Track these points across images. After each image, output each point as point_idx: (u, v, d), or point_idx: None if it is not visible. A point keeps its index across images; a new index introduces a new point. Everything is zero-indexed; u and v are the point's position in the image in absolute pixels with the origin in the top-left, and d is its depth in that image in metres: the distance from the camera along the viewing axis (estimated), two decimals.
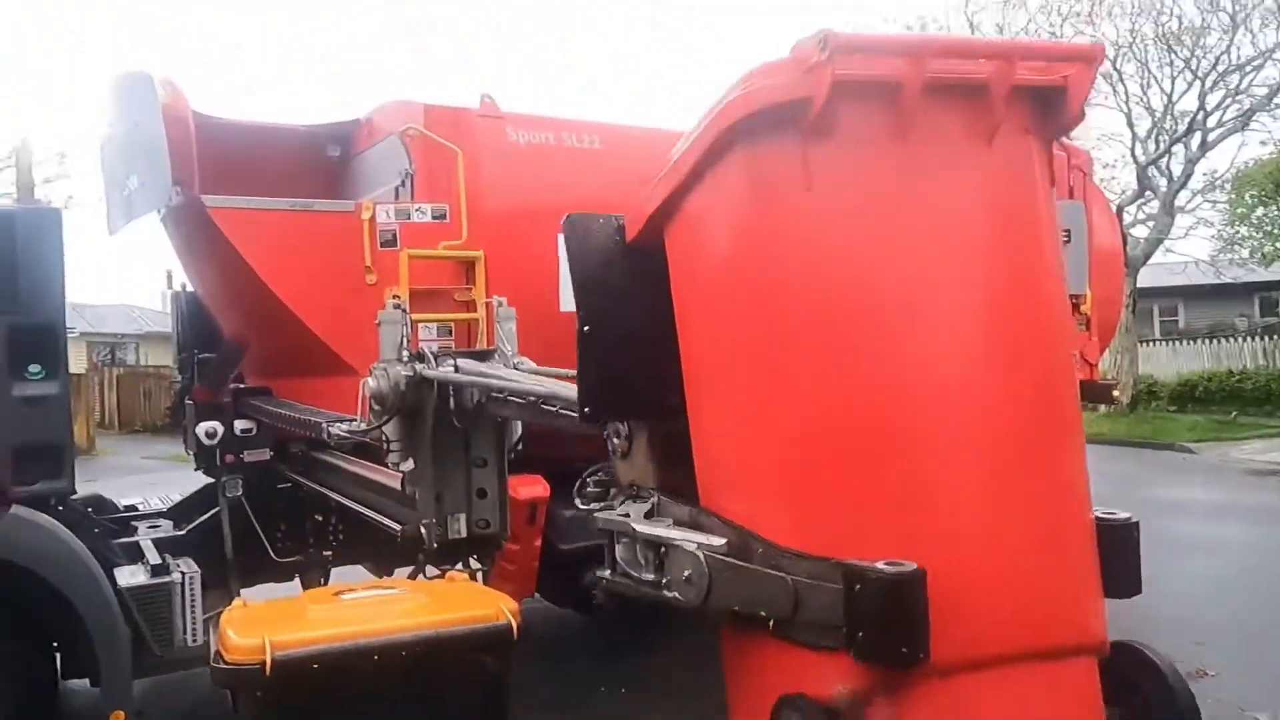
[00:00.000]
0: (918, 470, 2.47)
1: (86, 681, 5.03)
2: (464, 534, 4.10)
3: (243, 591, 5.61)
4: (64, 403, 4.70)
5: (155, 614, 4.87)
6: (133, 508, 6.17)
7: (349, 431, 4.32)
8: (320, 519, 5.86)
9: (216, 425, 5.40)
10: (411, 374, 3.94)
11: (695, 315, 2.86)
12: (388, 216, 5.79)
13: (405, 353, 4.02)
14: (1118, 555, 2.60)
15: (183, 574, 5.01)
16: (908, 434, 2.49)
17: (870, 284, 2.55)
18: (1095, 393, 10.35)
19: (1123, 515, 2.74)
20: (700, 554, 2.58)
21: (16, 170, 5.05)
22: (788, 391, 2.57)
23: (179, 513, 6.18)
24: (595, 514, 3.07)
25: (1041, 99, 2.69)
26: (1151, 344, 28.03)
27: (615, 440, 3.13)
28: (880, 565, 2.26)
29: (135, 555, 5.34)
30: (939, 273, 2.55)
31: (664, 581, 2.73)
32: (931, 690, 2.34)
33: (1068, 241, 7.98)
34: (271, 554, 5.74)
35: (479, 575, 6.71)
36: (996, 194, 2.65)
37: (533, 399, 3.57)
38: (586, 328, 2.99)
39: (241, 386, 5.89)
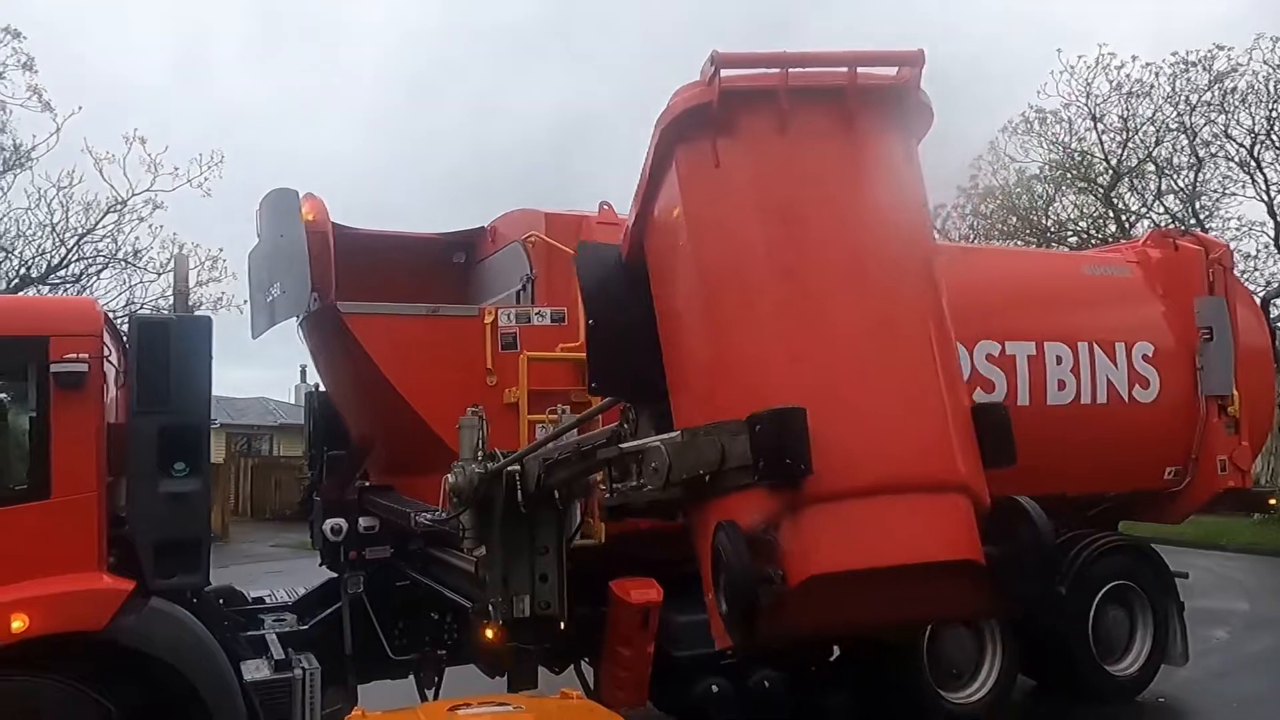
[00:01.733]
0: (812, 359, 3.11)
1: None
2: (527, 613, 4.48)
3: (360, 689, 5.70)
4: (204, 499, 4.95)
5: (276, 708, 4.97)
6: (260, 600, 6.37)
7: (431, 520, 4.91)
8: (436, 617, 5.91)
9: (342, 522, 5.57)
10: (484, 471, 4.39)
11: (666, 304, 3.54)
12: (509, 320, 5.97)
13: (480, 453, 4.47)
14: (991, 432, 3.21)
15: (304, 669, 5.12)
16: (803, 338, 3.12)
17: (765, 238, 3.24)
18: (1249, 501, 9.63)
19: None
20: (662, 445, 3.27)
21: (174, 277, 5.47)
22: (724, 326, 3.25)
23: (303, 606, 6.34)
24: (597, 449, 3.82)
25: (883, 96, 3.35)
26: None
27: (625, 424, 3.82)
28: (771, 408, 2.91)
29: (261, 648, 5.50)
30: (818, 227, 3.25)
31: (641, 482, 3.40)
32: (824, 513, 2.92)
33: (1209, 339, 7.58)
34: (388, 651, 5.81)
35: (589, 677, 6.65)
36: (858, 166, 3.38)
37: (577, 448, 4.05)
38: (591, 321, 3.85)
39: (366, 484, 6.08)
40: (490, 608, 4.46)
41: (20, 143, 18.65)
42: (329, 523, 5.56)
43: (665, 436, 3.35)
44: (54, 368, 4.57)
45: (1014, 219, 23.76)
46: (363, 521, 5.62)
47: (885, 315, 3.23)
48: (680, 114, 3.31)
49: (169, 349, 4.87)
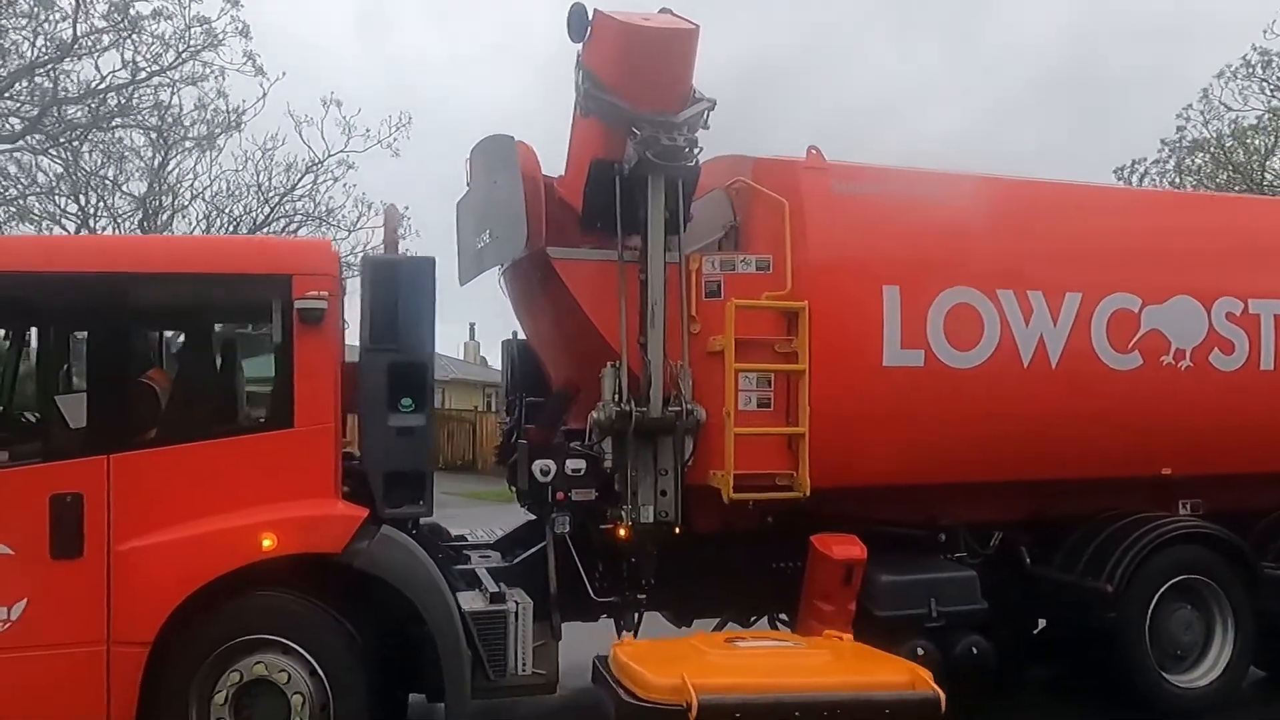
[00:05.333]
0: None
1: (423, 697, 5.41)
2: (651, 520, 5.58)
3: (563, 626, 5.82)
4: (428, 434, 5.14)
5: (492, 640, 5.14)
6: (462, 538, 6.62)
7: (579, 446, 5.87)
8: (636, 561, 5.95)
9: (551, 463, 5.67)
10: (619, 409, 5.49)
11: None
12: (713, 268, 5.88)
13: (617, 395, 5.52)
14: None
15: (517, 604, 5.26)
16: None
17: None
18: None
19: None
20: None
21: (385, 229, 5.70)
22: None
23: (505, 545, 6.54)
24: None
25: None
26: None
27: None
28: None
29: (471, 582, 5.70)
30: None
31: None
32: None
33: None
34: (590, 592, 5.91)
35: (781, 628, 6.59)
36: None
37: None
38: None
39: (568, 428, 6.18)
40: (623, 513, 5.58)
41: (237, 106, 20.07)
42: (538, 464, 5.67)
43: None
44: (297, 304, 4.82)
45: (1223, 175, 21.75)
46: (570, 463, 5.71)
47: None
48: None
49: (397, 288, 5.05)
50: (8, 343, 5.30)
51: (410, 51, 44.35)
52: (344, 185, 21.00)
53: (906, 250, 6.00)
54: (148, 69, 18.07)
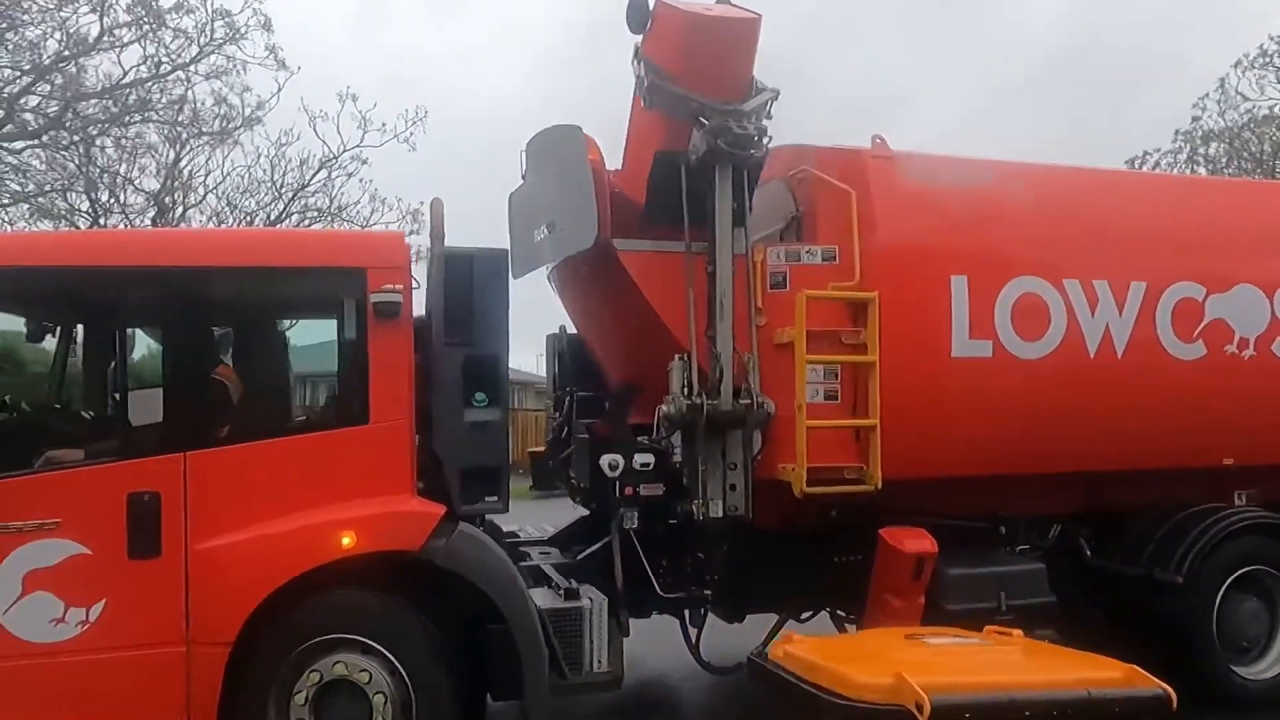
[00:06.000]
0: None
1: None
2: (720, 515, 5.44)
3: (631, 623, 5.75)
4: (503, 428, 5.07)
5: (567, 637, 5.07)
6: (514, 534, 6.54)
7: (648, 441, 5.73)
8: (703, 556, 5.90)
9: (619, 458, 5.59)
10: (690, 402, 5.36)
11: None
12: (778, 259, 5.81)
13: (685, 389, 5.40)
14: None
15: (591, 600, 5.19)
16: None
17: None
18: None
19: None
20: None
21: (431, 223, 5.58)
22: None
23: (561, 542, 6.48)
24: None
25: None
26: None
27: None
28: None
29: (538, 578, 5.64)
30: None
31: None
32: None
33: None
34: (657, 588, 5.84)
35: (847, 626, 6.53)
36: None
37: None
38: None
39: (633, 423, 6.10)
40: (694, 508, 5.46)
41: (261, 99, 19.93)
42: (606, 458, 5.59)
43: None
44: (373, 298, 4.74)
45: (1232, 166, 21.68)
46: (639, 458, 5.63)
47: None
48: None
49: (471, 282, 4.97)
50: (80, 339, 5.22)
51: (407, 47, 44.03)
52: (360, 181, 20.87)
53: (974, 240, 5.94)
54: (171, 62, 17.94)
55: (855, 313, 5.75)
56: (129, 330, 4.98)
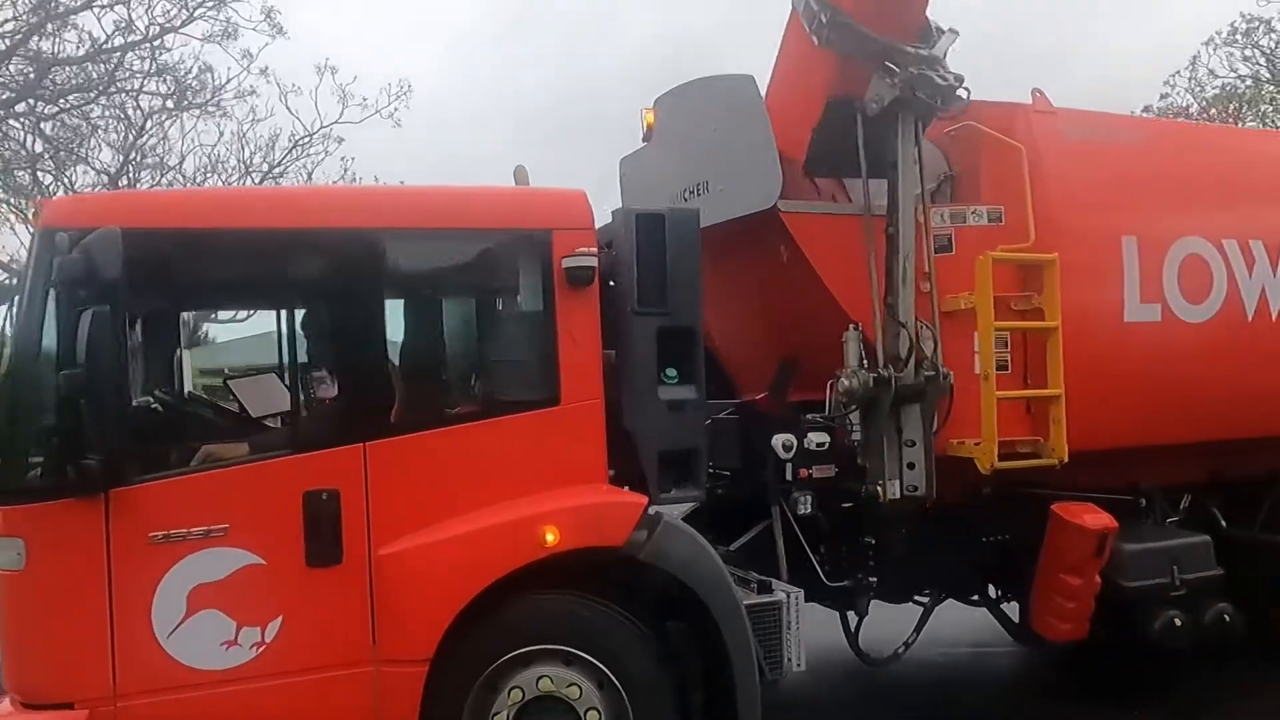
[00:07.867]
0: None
1: None
2: (898, 495, 5.04)
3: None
4: (701, 407, 4.56)
5: (767, 634, 4.62)
6: None
7: (822, 418, 5.29)
8: (871, 541, 5.50)
9: (791, 438, 5.14)
10: (876, 375, 4.96)
11: None
12: (942, 220, 5.43)
13: (865, 361, 5.06)
14: None
15: (787, 594, 4.75)
16: None
17: None
18: None
19: None
20: None
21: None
22: None
23: (699, 529, 5.99)
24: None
25: None
26: None
27: None
28: None
29: None
30: None
31: None
32: None
33: None
34: (823, 577, 5.43)
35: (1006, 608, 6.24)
36: None
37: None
38: None
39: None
40: (877, 489, 5.07)
41: (266, 68, 18.66)
42: (778, 438, 5.12)
43: None
44: (566, 263, 4.18)
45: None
46: (813, 437, 5.18)
47: None
48: None
49: (664, 244, 4.44)
50: (248, 315, 4.51)
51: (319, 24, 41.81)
52: (341, 160, 19.70)
53: (1140, 199, 5.66)
54: (160, 25, 16.55)
55: (1025, 276, 5.41)
56: (300, 303, 4.33)
